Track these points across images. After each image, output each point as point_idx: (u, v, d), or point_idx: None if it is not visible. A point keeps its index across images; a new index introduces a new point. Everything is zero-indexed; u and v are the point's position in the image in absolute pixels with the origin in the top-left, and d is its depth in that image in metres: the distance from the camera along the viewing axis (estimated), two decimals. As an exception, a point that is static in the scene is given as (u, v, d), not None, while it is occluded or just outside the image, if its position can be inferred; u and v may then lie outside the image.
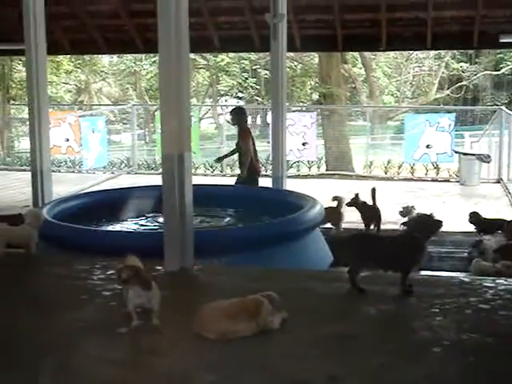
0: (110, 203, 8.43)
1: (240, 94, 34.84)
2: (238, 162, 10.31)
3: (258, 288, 4.49)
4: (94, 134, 15.20)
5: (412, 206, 8.46)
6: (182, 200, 5.68)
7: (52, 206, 7.94)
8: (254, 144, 10.12)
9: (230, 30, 12.83)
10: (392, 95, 34.52)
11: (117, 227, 7.78)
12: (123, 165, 18.00)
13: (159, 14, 5.52)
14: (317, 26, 12.52)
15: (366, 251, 4.90)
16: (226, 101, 35.89)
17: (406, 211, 8.35)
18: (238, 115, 10.17)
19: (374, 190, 8.98)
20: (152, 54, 24.25)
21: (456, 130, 16.04)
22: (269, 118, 34.30)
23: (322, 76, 21.26)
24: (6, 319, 4.58)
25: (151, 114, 27.15)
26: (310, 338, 4.13)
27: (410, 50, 23.29)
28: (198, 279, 5.68)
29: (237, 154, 10.46)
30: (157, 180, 13.12)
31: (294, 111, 17.44)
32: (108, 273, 5.65)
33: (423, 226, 4.81)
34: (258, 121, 37.18)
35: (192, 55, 23.95)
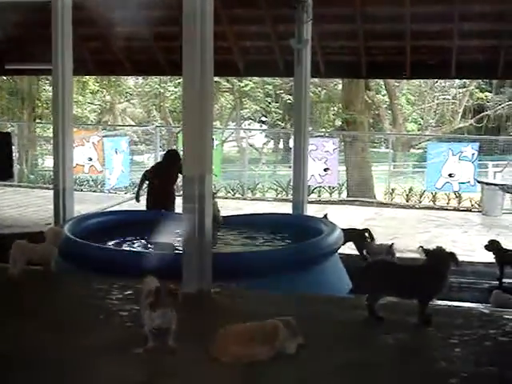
0: (130, 223, 8.47)
1: (263, 119, 34.98)
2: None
3: (275, 313, 4.47)
4: (117, 154, 15.31)
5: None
6: (202, 222, 5.68)
7: (73, 223, 7.98)
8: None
9: (254, 55, 12.91)
10: (415, 123, 34.45)
11: (135, 247, 7.79)
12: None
13: (184, 38, 5.57)
14: (341, 52, 12.57)
15: (385, 279, 4.86)
16: (249, 125, 36.04)
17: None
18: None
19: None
20: (177, 76, 24.43)
21: (479, 160, 15.94)
22: (291, 143, 34.40)
23: (345, 102, 21.28)
24: (23, 338, 4.59)
25: (174, 136, 27.28)
26: (326, 365, 4.10)
27: (435, 78, 23.23)
28: (215, 302, 5.67)
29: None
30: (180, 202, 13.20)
31: (316, 136, 17.45)
32: (126, 293, 5.67)
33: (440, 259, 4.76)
34: (281, 145, 37.31)
35: (216, 78, 24.14)
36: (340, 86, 25.62)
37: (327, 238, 7.35)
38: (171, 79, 29.54)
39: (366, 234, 9.23)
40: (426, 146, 20.55)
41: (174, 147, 23.37)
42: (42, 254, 6.25)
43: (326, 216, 9.30)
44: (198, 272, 5.70)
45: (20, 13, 11.89)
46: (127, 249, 7.57)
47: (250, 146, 30.53)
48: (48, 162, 25.96)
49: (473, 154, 15.08)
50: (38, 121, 28.28)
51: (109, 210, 12.06)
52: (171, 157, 10.15)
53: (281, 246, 7.84)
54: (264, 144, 36.42)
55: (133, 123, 33.94)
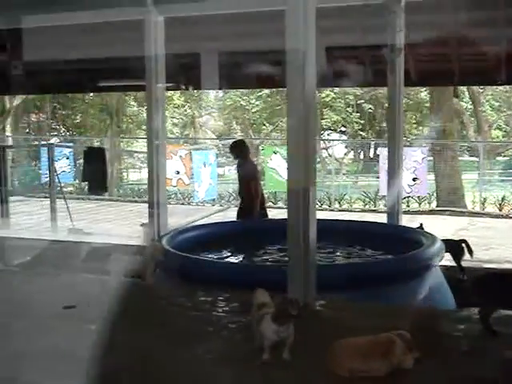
0: (228, 235, 8.54)
1: (343, 129, 34.81)
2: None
3: (383, 325, 4.41)
4: (205, 167, 15.50)
5: None
6: (307, 234, 5.67)
7: (171, 236, 8.09)
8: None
9: (342, 65, 12.79)
10: (500, 130, 33.58)
11: (236, 259, 7.85)
12: (231, 197, 18.20)
13: (288, 50, 5.59)
14: (432, 59, 12.34)
15: (500, 291, 4.72)
16: (328, 135, 35.95)
17: None
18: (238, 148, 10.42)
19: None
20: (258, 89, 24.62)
21: None
22: (371, 153, 34.04)
23: (433, 110, 20.88)
24: (134, 349, 4.67)
25: (255, 148, 27.49)
26: (444, 380, 4.00)
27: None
28: (322, 314, 5.63)
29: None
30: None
31: (404, 146, 17.16)
32: (232, 305, 5.70)
33: None
34: (361, 155, 37.04)
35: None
36: (422, 95, 25.29)
37: (429, 250, 7.21)
38: (252, 91, 29.78)
39: (463, 245, 8.99)
40: (512, 153, 19.99)
41: (255, 158, 23.73)
42: (141, 267, 6.38)
43: (421, 226, 9.13)
44: (303, 284, 5.69)
45: (111, 31, 12.20)
46: (230, 261, 7.64)
47: (330, 156, 30.42)
48: (132, 176, 26.62)
49: None
50: (122, 135, 29.02)
51: (202, 222, 12.18)
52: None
53: (382, 257, 7.74)
54: (345, 154, 36.25)
55: (213, 136, 34.37)
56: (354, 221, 10.62)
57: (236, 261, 7.73)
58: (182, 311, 5.71)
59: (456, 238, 9.38)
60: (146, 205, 14.29)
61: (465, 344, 4.75)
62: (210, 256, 7.33)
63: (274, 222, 9.43)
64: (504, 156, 30.22)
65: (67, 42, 11.84)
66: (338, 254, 8.16)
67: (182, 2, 9.84)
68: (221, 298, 5.91)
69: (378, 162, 28.01)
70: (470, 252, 8.81)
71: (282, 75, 10.01)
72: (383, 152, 14.05)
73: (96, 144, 23.96)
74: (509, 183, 20.68)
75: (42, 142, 25.32)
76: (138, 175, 27.09)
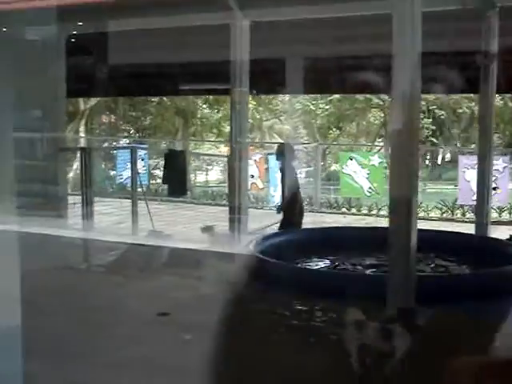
0: (314, 241, 8.43)
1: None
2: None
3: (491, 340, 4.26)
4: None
5: None
6: (408, 243, 5.55)
7: (259, 242, 8.00)
8: None
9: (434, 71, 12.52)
10: None
11: (328, 267, 7.74)
12: (305, 202, 17.98)
13: (395, 57, 5.48)
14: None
15: None
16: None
17: None
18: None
19: None
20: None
21: None
22: (439, 159, 33.42)
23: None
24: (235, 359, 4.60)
25: (322, 153, 27.23)
26: None
27: None
28: (423, 327, 5.48)
29: None
30: (339, 220, 13.17)
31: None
32: (330, 315, 5.61)
33: None
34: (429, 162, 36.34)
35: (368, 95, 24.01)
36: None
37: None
38: (322, 96, 29.54)
39: None
40: None
41: (322, 163, 23.59)
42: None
43: (511, 238, 8.84)
44: (403, 295, 5.56)
45: (193, 36, 12.28)
46: (325, 269, 7.54)
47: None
48: (199, 178, 26.77)
49: None
50: (192, 138, 29.22)
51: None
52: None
53: (478, 269, 7.51)
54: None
55: (280, 140, 34.27)
56: (444, 231, 10.32)
57: (332, 269, 7.60)
58: (279, 320, 5.64)
59: None
60: (221, 208, 14.42)
61: None
62: (301, 262, 7.25)
63: (361, 230, 9.29)
64: None
65: (151, 45, 11.97)
66: (431, 265, 7.95)
67: (269, 7, 9.81)
68: (317, 308, 5.83)
69: (447, 168, 27.54)
70: None
71: (374, 81, 9.92)
72: (463, 160, 13.72)
73: (164, 146, 24.23)
74: None
75: (114, 144, 25.83)
76: (204, 177, 27.24)
